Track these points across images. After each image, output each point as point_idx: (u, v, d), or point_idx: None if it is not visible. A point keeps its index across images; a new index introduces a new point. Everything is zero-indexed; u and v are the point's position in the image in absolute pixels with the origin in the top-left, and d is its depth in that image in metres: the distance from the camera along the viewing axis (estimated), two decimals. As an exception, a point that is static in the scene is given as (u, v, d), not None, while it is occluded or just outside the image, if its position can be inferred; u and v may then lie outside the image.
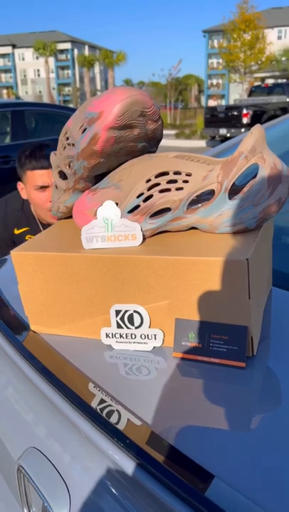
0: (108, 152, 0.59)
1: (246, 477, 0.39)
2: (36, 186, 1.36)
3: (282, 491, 0.38)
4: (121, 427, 0.47)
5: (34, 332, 0.67)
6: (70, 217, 0.75)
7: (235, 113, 10.02)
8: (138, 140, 0.60)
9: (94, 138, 0.57)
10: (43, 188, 1.35)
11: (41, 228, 1.48)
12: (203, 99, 45.37)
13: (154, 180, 0.59)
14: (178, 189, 0.58)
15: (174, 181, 0.59)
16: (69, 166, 0.64)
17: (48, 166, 1.33)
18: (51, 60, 49.10)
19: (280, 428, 0.44)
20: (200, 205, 0.59)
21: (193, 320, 0.56)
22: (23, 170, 1.37)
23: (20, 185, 1.44)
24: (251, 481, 0.39)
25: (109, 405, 0.50)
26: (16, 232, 1.47)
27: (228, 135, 10.00)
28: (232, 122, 10.05)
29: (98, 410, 0.49)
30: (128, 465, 0.44)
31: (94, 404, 0.50)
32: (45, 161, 1.33)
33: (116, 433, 0.46)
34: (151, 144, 0.64)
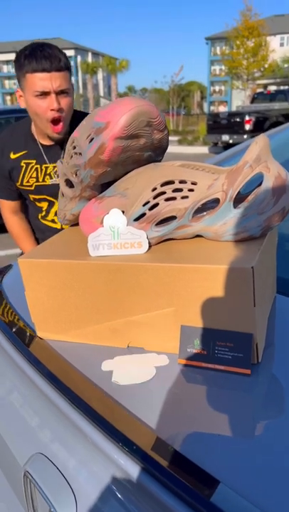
0: (115, 161, 0.60)
1: (250, 482, 0.40)
2: (36, 92, 1.13)
3: (285, 495, 0.38)
4: (126, 432, 0.47)
5: (40, 338, 0.67)
6: (77, 224, 0.76)
7: (238, 119, 10.07)
8: (144, 149, 0.61)
9: (101, 147, 0.58)
10: (44, 94, 1.13)
11: (41, 150, 1.26)
12: (205, 105, 45.53)
13: (159, 189, 0.60)
14: (183, 197, 0.59)
15: (180, 190, 0.60)
16: (76, 175, 0.65)
17: (51, 69, 1.11)
18: (55, 66, 49.24)
19: (285, 434, 0.45)
20: (205, 213, 0.60)
21: (199, 327, 0.56)
22: (22, 73, 1.15)
23: (18, 92, 1.23)
24: (255, 486, 0.39)
25: (115, 411, 0.51)
26: (12, 156, 1.28)
27: (231, 141, 10.04)
28: (234, 129, 10.09)
29: (104, 416, 0.50)
30: (133, 470, 0.44)
31: (99, 409, 0.51)
32: (47, 62, 1.11)
33: (121, 438, 0.47)
34: (157, 153, 0.65)
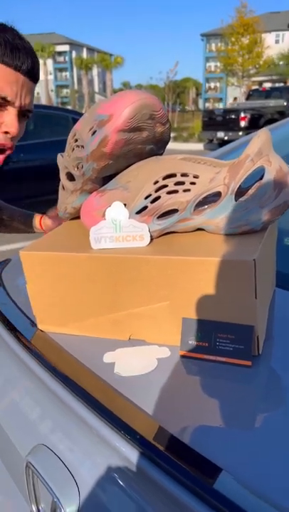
0: (117, 154, 0.60)
1: (250, 469, 0.40)
2: None
3: (284, 482, 0.39)
4: (129, 421, 0.48)
5: (42, 331, 0.68)
6: (78, 217, 0.76)
7: (233, 116, 10.07)
8: (146, 142, 0.61)
9: (104, 140, 0.58)
10: (4, 102, 0.73)
11: None
12: (200, 102, 45.51)
13: (161, 182, 0.60)
14: (185, 191, 0.60)
15: (182, 183, 0.60)
16: (77, 168, 0.65)
17: (27, 73, 0.74)
18: (49, 62, 49.14)
19: (284, 423, 0.45)
20: (207, 206, 0.61)
21: (200, 319, 0.57)
22: None
23: None
24: (255, 472, 0.40)
25: (117, 401, 0.51)
26: None
27: (226, 138, 10.04)
28: (230, 125, 10.10)
29: (106, 406, 0.50)
30: (136, 459, 0.45)
31: (102, 400, 0.51)
32: (27, 60, 0.74)
33: (124, 428, 0.47)
34: (158, 146, 0.65)
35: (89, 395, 0.52)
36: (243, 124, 9.91)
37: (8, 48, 0.72)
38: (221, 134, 10.32)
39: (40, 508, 0.56)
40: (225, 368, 0.55)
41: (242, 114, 9.92)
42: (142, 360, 0.58)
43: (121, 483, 0.47)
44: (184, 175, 0.60)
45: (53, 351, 0.62)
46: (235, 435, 0.45)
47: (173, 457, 0.43)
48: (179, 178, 0.60)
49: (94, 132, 0.60)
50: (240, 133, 9.71)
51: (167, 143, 0.67)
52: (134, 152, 0.62)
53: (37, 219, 1.09)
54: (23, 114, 0.78)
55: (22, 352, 0.64)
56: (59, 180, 0.73)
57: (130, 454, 0.45)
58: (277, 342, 0.60)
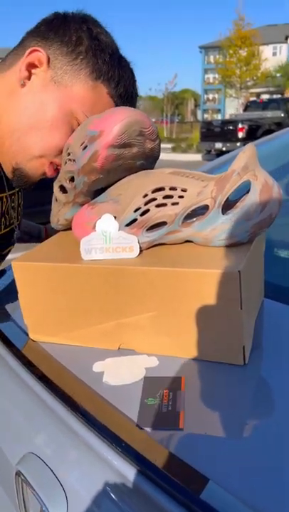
0: (107, 169, 0.62)
1: (243, 482, 0.41)
2: (82, 114, 0.69)
3: (280, 495, 0.40)
4: (118, 432, 0.48)
5: (33, 340, 0.69)
6: (70, 229, 0.77)
7: (231, 127, 10.17)
8: (136, 158, 0.63)
9: (94, 155, 0.60)
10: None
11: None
12: (199, 113, 45.88)
13: (150, 196, 0.62)
14: (174, 204, 0.61)
15: (170, 196, 0.61)
16: (69, 181, 0.67)
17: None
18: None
19: (273, 433, 0.46)
20: (195, 219, 0.62)
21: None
22: (91, 60, 0.68)
23: (35, 55, 0.67)
24: (248, 485, 0.41)
25: (106, 410, 0.52)
26: None
27: (224, 149, 10.13)
28: (228, 136, 10.19)
29: (94, 415, 0.51)
30: (126, 470, 0.45)
31: (91, 410, 0.52)
32: (132, 97, 0.73)
33: (113, 438, 0.48)
34: (149, 161, 0.67)
35: (76, 403, 0.53)
36: (240, 135, 10.00)
37: (125, 77, 0.70)
38: (219, 145, 10.41)
39: (29, 516, 0.57)
40: (214, 377, 0.56)
41: (240, 125, 10.02)
42: (130, 370, 0.59)
43: (110, 492, 0.48)
44: (172, 188, 0.61)
45: (43, 361, 0.63)
46: (224, 445, 0.46)
47: (162, 468, 0.43)
48: (167, 192, 0.61)
49: (85, 147, 0.62)
50: (238, 144, 9.79)
51: (157, 158, 0.68)
52: (124, 167, 0.64)
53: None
54: None
55: (13, 361, 0.64)
56: None
57: (118, 464, 0.46)
58: (265, 352, 0.61)
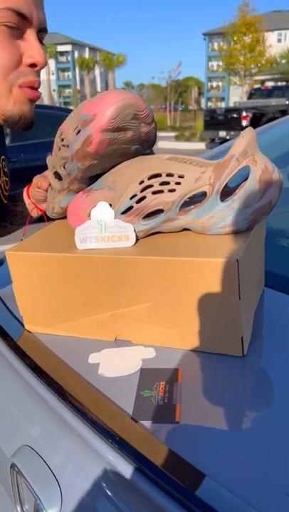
0: (102, 154, 0.60)
1: (241, 477, 0.40)
2: (5, 18, 0.58)
3: (279, 491, 0.38)
4: (113, 426, 0.47)
5: (28, 331, 0.67)
6: (65, 217, 0.75)
7: (235, 115, 10.05)
8: (132, 142, 0.61)
9: (87, 140, 0.58)
10: (18, 27, 0.61)
11: None
12: (203, 101, 45.48)
13: (147, 182, 0.60)
14: (170, 191, 0.59)
15: (167, 183, 0.59)
16: (64, 167, 0.65)
17: None
18: (52, 62, 49.22)
19: (273, 426, 0.45)
20: (192, 206, 0.60)
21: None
22: None
23: None
24: (247, 481, 0.39)
25: (100, 404, 0.51)
26: None
27: (228, 137, 10.03)
28: (231, 125, 10.08)
29: (89, 409, 0.50)
30: (121, 464, 0.44)
31: (86, 402, 0.51)
32: None
33: (108, 433, 0.47)
34: (144, 146, 0.65)
35: (71, 396, 0.52)
36: (244, 123, 9.88)
37: None
38: (222, 133, 10.30)
39: (24, 509, 0.56)
40: (211, 369, 0.54)
41: (244, 113, 9.90)
42: (126, 361, 0.57)
43: (104, 486, 0.47)
44: (169, 175, 0.59)
45: (38, 352, 0.62)
46: (223, 441, 0.44)
47: (158, 464, 0.42)
48: (164, 178, 0.59)
49: (78, 132, 0.60)
50: (242, 132, 9.68)
51: (154, 143, 0.66)
52: (119, 152, 0.62)
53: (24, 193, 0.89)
54: (41, 37, 0.63)
55: (7, 352, 0.63)
56: None
57: (112, 458, 0.45)
58: (265, 342, 0.59)
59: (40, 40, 0.64)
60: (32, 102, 0.67)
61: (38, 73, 0.66)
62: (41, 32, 0.64)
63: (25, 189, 0.88)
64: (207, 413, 0.48)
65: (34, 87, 0.66)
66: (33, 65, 0.63)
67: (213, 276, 0.53)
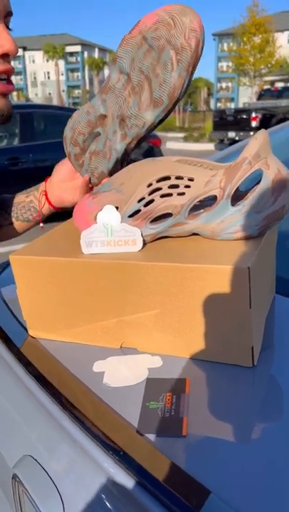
0: (147, 29, 0.59)
1: (249, 497, 0.38)
2: None
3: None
4: (117, 439, 0.46)
5: (32, 337, 0.66)
6: (70, 220, 0.74)
7: (244, 116, 10.00)
8: (168, 44, 0.59)
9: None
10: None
11: None
12: (212, 102, 45.36)
13: (155, 185, 0.58)
14: (180, 194, 0.57)
15: (176, 186, 0.58)
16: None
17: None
18: (61, 62, 49.39)
19: (285, 443, 0.43)
20: (202, 210, 0.58)
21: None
22: None
23: None
24: (255, 502, 0.37)
25: (104, 415, 0.49)
26: None
27: (237, 138, 9.97)
28: (241, 125, 10.03)
29: (94, 420, 0.48)
30: (124, 480, 0.42)
31: (90, 413, 0.49)
32: None
33: (111, 446, 0.45)
34: (171, 73, 0.60)
35: (74, 406, 0.50)
36: (254, 124, 9.83)
37: None
38: (232, 134, 10.25)
39: (25, 521, 0.55)
40: (220, 380, 0.52)
41: (253, 114, 9.84)
42: (132, 370, 0.56)
43: (105, 500, 0.45)
44: (178, 178, 0.57)
45: (41, 359, 0.60)
46: (228, 455, 0.42)
47: (160, 478, 0.40)
48: (173, 181, 0.57)
49: None
50: (252, 133, 9.63)
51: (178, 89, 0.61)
52: (155, 46, 0.59)
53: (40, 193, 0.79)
54: (7, 24, 0.60)
55: (10, 359, 0.62)
56: None
57: (115, 473, 0.43)
58: (276, 351, 0.57)
59: (7, 25, 0.62)
60: (5, 96, 0.65)
61: (9, 61, 0.62)
62: (7, 17, 0.61)
63: (43, 182, 0.80)
64: (215, 427, 0.46)
65: (8, 78, 0.63)
66: (5, 55, 0.60)
67: (223, 284, 0.51)
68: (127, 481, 0.42)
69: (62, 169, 0.74)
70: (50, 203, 0.78)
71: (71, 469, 0.49)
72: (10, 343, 0.65)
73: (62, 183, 0.75)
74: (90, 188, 0.73)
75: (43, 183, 0.79)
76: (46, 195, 0.77)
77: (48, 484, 0.50)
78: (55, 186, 0.76)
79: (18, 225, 0.82)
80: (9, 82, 0.64)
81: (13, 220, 0.81)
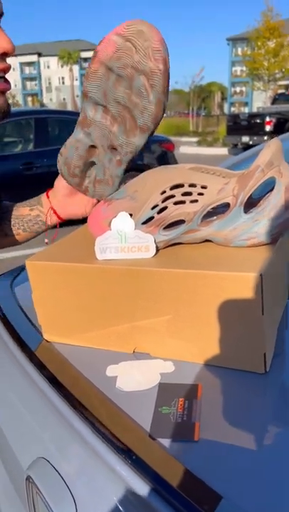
0: (107, 59, 0.58)
1: (262, 503, 0.38)
2: None
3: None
4: (129, 442, 0.46)
5: (47, 341, 0.67)
6: (84, 226, 0.75)
7: (258, 121, 9.97)
8: (137, 71, 0.57)
9: (101, 41, 0.57)
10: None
11: None
12: (226, 106, 45.30)
13: (168, 192, 0.59)
14: (193, 201, 0.58)
15: (189, 193, 0.58)
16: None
17: None
18: (75, 67, 49.86)
19: (292, 449, 0.43)
20: (215, 217, 0.59)
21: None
22: None
23: None
24: (261, 505, 0.38)
25: (117, 419, 0.50)
26: None
27: (251, 143, 9.94)
28: (255, 130, 10.00)
29: (106, 424, 0.49)
30: (136, 483, 0.43)
31: (102, 417, 0.50)
32: None
33: (124, 449, 0.46)
34: (148, 98, 0.59)
35: (88, 410, 0.51)
36: (268, 128, 9.80)
37: None
38: (245, 139, 10.23)
39: (39, 522, 0.55)
40: (232, 386, 0.53)
41: (267, 119, 9.81)
42: (145, 375, 0.56)
43: (118, 506, 0.46)
44: (191, 185, 0.58)
45: (56, 362, 0.61)
46: (242, 461, 0.43)
47: (173, 483, 0.41)
48: (186, 189, 0.58)
49: None
50: (266, 137, 9.59)
51: (160, 105, 0.59)
52: (123, 73, 0.58)
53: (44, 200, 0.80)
54: None
55: (26, 362, 0.63)
56: None
57: (128, 477, 0.44)
58: (287, 358, 0.58)
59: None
60: (3, 94, 0.65)
61: (5, 60, 0.63)
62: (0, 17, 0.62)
63: (44, 194, 0.81)
64: (227, 432, 0.46)
65: (4, 76, 0.64)
66: (3, 54, 0.61)
67: (236, 291, 0.51)
68: (139, 484, 0.43)
69: (64, 185, 0.73)
70: (60, 217, 0.78)
71: (84, 472, 0.50)
72: (25, 347, 0.66)
73: (70, 199, 0.75)
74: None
75: (45, 197, 0.79)
76: (55, 212, 0.78)
77: (61, 486, 0.51)
78: (63, 203, 0.76)
79: (24, 235, 0.83)
80: (6, 80, 0.65)
81: (20, 231, 0.82)
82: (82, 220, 0.74)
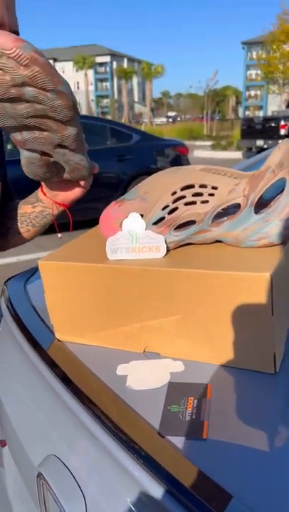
0: None
1: (269, 501, 0.38)
2: None
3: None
4: (139, 440, 0.47)
5: (59, 340, 0.68)
6: (96, 227, 0.76)
7: (273, 124, 9.92)
8: (20, 86, 0.54)
9: None
10: None
11: None
12: (240, 110, 45.16)
13: (179, 193, 0.59)
14: (203, 202, 0.58)
15: (200, 194, 0.59)
16: None
17: None
18: (90, 72, 50.29)
19: (300, 449, 0.43)
20: (225, 218, 0.59)
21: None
22: None
23: None
24: (276, 507, 0.38)
25: (129, 418, 0.50)
26: None
27: (265, 146, 9.90)
28: (269, 134, 9.95)
29: (116, 422, 0.49)
30: (145, 480, 0.43)
31: (114, 415, 0.51)
32: None
33: (133, 447, 0.46)
34: (48, 97, 0.56)
35: (98, 407, 0.52)
36: (283, 132, 9.74)
37: None
38: (260, 143, 10.18)
39: (49, 519, 0.56)
40: (242, 386, 0.53)
41: (282, 122, 9.75)
42: (154, 374, 0.57)
43: (128, 502, 0.46)
44: (202, 186, 0.59)
45: (67, 361, 0.62)
46: (250, 460, 0.43)
47: (185, 484, 0.41)
48: (197, 189, 0.59)
49: None
50: (280, 141, 9.52)
51: (63, 97, 0.56)
52: (13, 95, 0.55)
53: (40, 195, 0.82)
54: None
55: (38, 361, 0.64)
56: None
57: (137, 474, 0.44)
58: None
59: None
60: None
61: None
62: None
63: (39, 189, 0.81)
64: (236, 431, 0.46)
65: None
66: None
67: (246, 291, 0.52)
68: (148, 481, 0.43)
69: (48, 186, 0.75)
70: (65, 205, 0.80)
71: (94, 469, 0.51)
72: (37, 346, 0.67)
73: (64, 185, 0.75)
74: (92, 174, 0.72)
75: (42, 194, 0.80)
76: (58, 203, 0.79)
77: (72, 483, 0.52)
78: (60, 192, 0.77)
79: (34, 231, 0.84)
80: None
81: (29, 227, 0.84)
82: (93, 223, 0.74)
